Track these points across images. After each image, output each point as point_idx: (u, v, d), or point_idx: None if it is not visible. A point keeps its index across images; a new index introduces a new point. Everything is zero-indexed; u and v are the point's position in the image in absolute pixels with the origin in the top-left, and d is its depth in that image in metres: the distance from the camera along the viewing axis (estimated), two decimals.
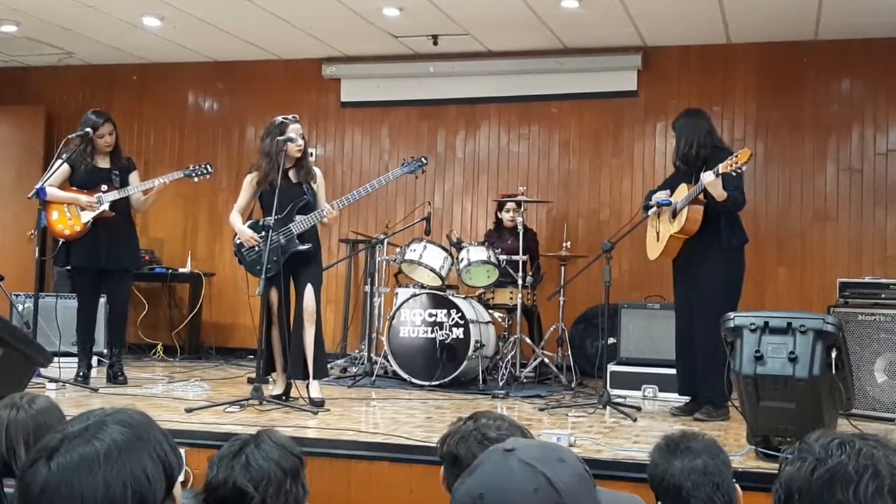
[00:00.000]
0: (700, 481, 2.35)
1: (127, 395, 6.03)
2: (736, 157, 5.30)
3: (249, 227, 5.82)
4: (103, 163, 6.50)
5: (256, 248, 5.75)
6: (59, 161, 6.39)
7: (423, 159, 6.16)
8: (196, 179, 6.65)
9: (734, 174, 5.34)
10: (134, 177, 6.59)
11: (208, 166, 6.62)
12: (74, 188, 6.40)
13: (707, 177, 5.39)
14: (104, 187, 6.39)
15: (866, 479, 1.67)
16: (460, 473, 2.41)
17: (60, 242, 6.41)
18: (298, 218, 5.71)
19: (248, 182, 5.88)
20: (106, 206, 6.36)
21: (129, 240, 6.64)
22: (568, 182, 8.68)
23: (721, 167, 5.34)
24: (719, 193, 5.41)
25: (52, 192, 6.34)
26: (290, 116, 5.82)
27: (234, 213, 5.92)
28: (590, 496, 1.49)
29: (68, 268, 6.69)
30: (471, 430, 2.47)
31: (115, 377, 6.54)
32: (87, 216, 6.34)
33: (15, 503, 1.45)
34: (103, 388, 6.22)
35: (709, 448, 2.45)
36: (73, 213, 6.35)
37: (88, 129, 6.41)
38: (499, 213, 7.97)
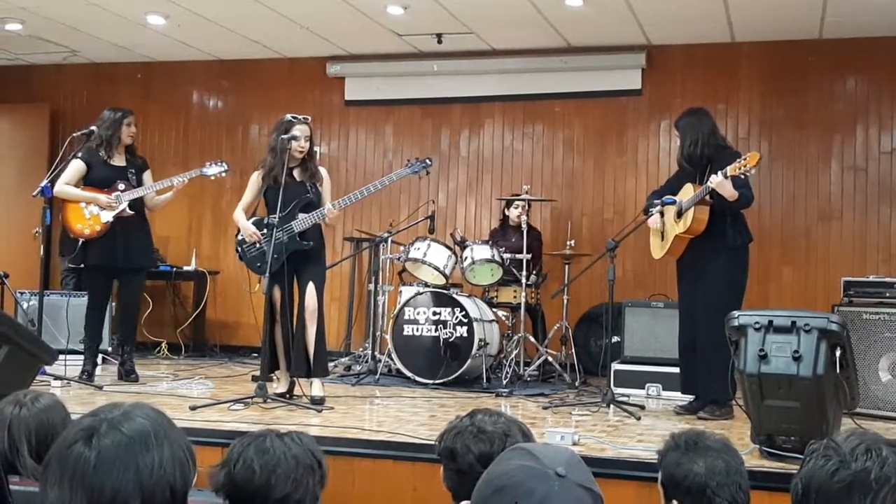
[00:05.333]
0: (724, 481, 2.36)
1: (132, 393, 6.04)
2: (745, 159, 5.26)
3: (253, 224, 5.83)
4: (119, 161, 6.52)
5: (258, 246, 5.77)
6: (76, 159, 6.42)
7: (427, 161, 6.13)
8: (212, 178, 6.68)
9: (743, 177, 5.32)
10: (147, 176, 6.62)
11: (223, 163, 6.62)
12: (90, 187, 6.42)
13: (716, 178, 5.36)
14: (121, 186, 6.41)
15: (886, 490, 1.66)
16: (457, 469, 2.43)
17: (80, 242, 6.42)
18: (301, 216, 5.71)
19: (254, 179, 5.90)
20: (125, 205, 6.38)
21: (145, 238, 6.67)
22: (572, 181, 8.67)
23: (729, 170, 5.30)
24: (730, 193, 5.38)
25: (71, 191, 6.37)
26: (300, 116, 5.82)
27: (238, 210, 5.94)
28: None
29: (82, 266, 6.67)
30: (467, 426, 2.49)
31: (128, 375, 6.55)
32: (107, 216, 6.35)
33: (56, 481, 1.47)
34: (108, 386, 6.24)
35: (727, 448, 2.46)
36: (92, 213, 6.37)
37: (94, 128, 6.46)
38: (506, 211, 7.96)
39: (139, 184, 6.51)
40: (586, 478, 1.54)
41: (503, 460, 1.61)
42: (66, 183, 6.37)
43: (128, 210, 6.38)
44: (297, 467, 2.21)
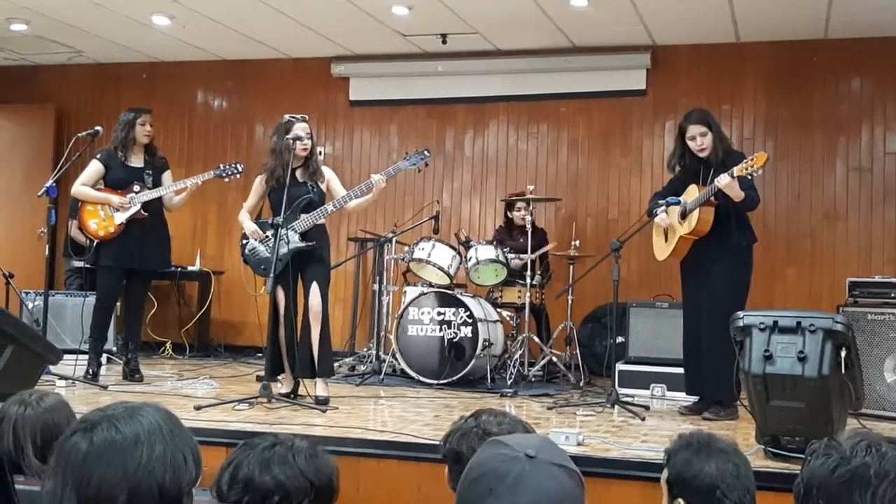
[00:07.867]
0: (734, 484, 2.37)
1: (136, 393, 6.05)
2: (752, 160, 5.25)
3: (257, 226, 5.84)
4: (137, 162, 6.53)
5: (262, 248, 5.77)
6: (95, 161, 6.46)
7: (425, 152, 6.11)
8: (227, 179, 6.66)
9: (749, 178, 5.31)
10: (167, 176, 6.63)
11: (238, 165, 6.60)
12: (107, 188, 6.43)
13: (723, 179, 5.34)
14: (136, 187, 6.42)
15: (885, 484, 1.68)
16: (463, 470, 2.42)
17: (95, 242, 6.43)
18: (302, 216, 5.72)
19: (258, 182, 5.91)
20: (138, 207, 6.39)
21: (162, 240, 6.67)
22: (576, 181, 8.67)
23: (736, 170, 5.28)
24: (737, 194, 5.37)
25: (86, 191, 6.40)
26: (298, 116, 5.83)
27: (242, 213, 5.96)
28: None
29: (94, 266, 6.66)
30: (472, 427, 2.48)
31: (132, 374, 6.56)
32: (120, 217, 6.37)
33: (53, 470, 1.53)
34: (113, 386, 6.24)
35: (737, 452, 2.46)
36: (106, 214, 6.38)
37: (98, 128, 6.54)
38: (508, 213, 7.97)
39: (156, 185, 6.51)
40: (560, 456, 1.57)
41: (478, 454, 1.64)
42: (83, 184, 6.42)
43: (142, 212, 6.39)
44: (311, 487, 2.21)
